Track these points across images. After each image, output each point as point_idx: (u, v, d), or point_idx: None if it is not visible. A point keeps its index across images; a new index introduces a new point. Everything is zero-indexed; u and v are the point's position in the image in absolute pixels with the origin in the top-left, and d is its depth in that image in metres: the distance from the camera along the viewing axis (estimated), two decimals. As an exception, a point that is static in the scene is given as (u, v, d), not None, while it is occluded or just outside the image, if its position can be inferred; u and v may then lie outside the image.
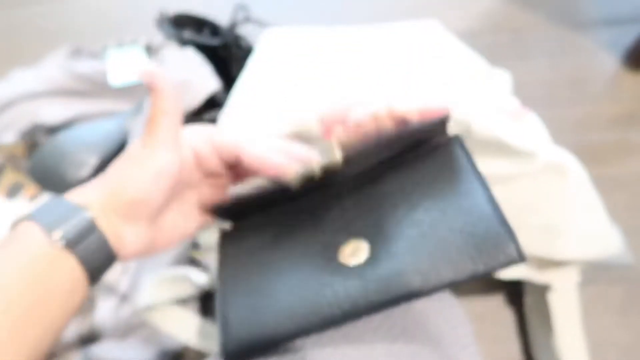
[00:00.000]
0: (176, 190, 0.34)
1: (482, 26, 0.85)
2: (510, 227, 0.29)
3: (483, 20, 0.85)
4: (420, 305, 0.39)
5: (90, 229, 0.29)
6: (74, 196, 0.31)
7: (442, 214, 0.31)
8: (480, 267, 0.28)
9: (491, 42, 0.82)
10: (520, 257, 0.28)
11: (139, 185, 0.31)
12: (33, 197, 0.65)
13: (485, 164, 0.44)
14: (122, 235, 0.31)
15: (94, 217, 0.30)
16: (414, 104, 0.34)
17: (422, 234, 0.30)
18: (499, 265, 0.28)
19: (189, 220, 0.35)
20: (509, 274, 0.48)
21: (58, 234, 0.28)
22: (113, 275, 0.60)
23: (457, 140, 0.35)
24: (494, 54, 0.74)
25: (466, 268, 0.29)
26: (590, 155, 0.70)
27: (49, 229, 0.28)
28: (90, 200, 0.30)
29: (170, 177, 0.32)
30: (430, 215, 0.31)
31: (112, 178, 0.31)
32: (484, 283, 0.60)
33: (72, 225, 0.29)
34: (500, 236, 0.29)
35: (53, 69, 0.73)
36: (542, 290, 0.52)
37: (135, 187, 0.31)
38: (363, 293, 0.30)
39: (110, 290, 0.59)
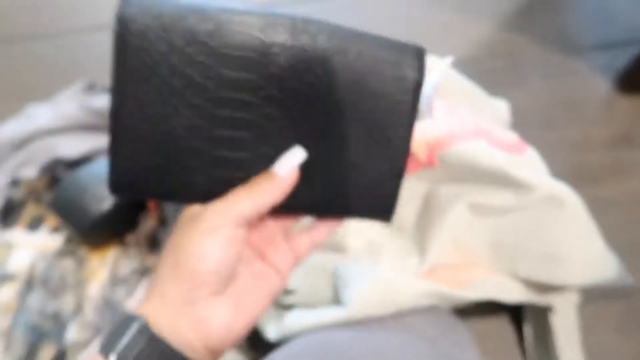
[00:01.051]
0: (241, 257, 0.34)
1: (478, 52, 0.88)
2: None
3: (479, 46, 0.89)
4: (430, 331, 0.42)
5: (142, 333, 0.30)
6: (143, 300, 0.32)
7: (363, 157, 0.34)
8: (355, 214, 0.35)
9: (487, 68, 0.86)
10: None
11: (203, 254, 0.31)
12: (54, 230, 0.68)
13: (489, 195, 0.47)
14: (201, 316, 0.31)
15: (145, 322, 0.30)
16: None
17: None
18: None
19: (262, 286, 0.35)
20: (511, 297, 0.50)
21: (113, 356, 0.30)
22: (134, 304, 0.62)
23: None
24: (491, 79, 0.78)
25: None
26: (587, 176, 0.73)
27: (105, 352, 0.30)
28: (156, 294, 0.31)
29: (237, 243, 0.32)
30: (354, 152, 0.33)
31: (173, 252, 0.32)
32: (487, 306, 0.62)
33: (124, 340, 0.30)
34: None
35: (69, 104, 0.76)
36: (542, 311, 0.54)
37: (199, 256, 0.31)
38: None
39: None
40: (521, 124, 0.70)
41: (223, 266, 0.31)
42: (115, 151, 0.31)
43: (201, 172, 0.32)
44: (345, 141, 0.33)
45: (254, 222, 0.35)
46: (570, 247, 0.46)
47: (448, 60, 0.57)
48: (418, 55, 0.33)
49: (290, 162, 0.33)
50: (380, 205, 0.35)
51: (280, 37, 0.30)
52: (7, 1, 0.92)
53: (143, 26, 0.29)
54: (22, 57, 0.87)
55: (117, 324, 0.31)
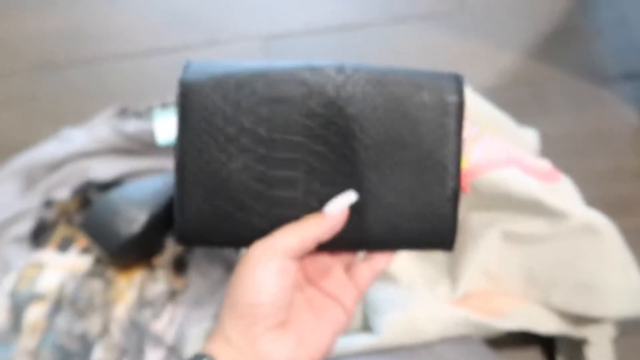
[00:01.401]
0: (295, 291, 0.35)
1: (505, 81, 0.88)
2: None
3: (505, 75, 0.89)
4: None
5: None
6: (209, 340, 0.33)
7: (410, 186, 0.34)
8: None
9: (514, 97, 0.86)
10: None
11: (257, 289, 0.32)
12: (84, 251, 0.69)
13: (523, 223, 0.47)
14: (264, 353, 0.32)
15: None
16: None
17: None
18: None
19: (325, 322, 0.36)
20: (544, 328, 0.49)
21: None
22: (160, 326, 0.63)
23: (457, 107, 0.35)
24: (518, 109, 0.78)
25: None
26: (618, 207, 0.72)
27: None
28: (219, 334, 0.33)
29: (288, 276, 0.33)
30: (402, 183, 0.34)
31: (230, 291, 0.33)
32: (519, 336, 0.61)
33: None
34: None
35: (102, 128, 0.78)
36: (576, 343, 0.53)
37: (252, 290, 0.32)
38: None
39: (158, 341, 0.61)
40: (549, 153, 0.70)
41: (276, 297, 0.32)
42: (181, 200, 0.34)
43: (258, 214, 0.34)
44: (393, 171, 0.34)
45: (306, 256, 0.36)
46: (606, 278, 0.45)
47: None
48: (456, 80, 0.35)
49: (341, 203, 0.34)
50: (438, 233, 0.35)
51: (321, 79, 0.33)
52: (44, 31, 0.96)
53: (202, 86, 0.34)
54: (57, 84, 0.90)
55: None
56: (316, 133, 0.33)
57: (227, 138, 0.33)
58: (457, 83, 0.34)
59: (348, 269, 0.37)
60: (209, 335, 0.34)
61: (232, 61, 0.35)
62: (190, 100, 0.33)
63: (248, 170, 0.34)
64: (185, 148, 0.34)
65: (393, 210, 0.34)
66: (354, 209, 0.34)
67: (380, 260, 0.37)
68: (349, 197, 0.34)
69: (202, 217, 0.34)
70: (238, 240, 0.35)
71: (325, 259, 0.37)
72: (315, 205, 0.34)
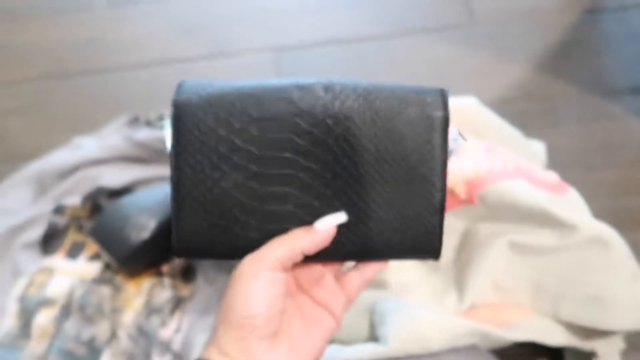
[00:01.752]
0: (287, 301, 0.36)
1: (513, 93, 0.88)
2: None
3: (514, 88, 0.89)
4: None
5: None
6: (205, 351, 0.34)
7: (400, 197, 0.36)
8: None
9: (522, 109, 0.86)
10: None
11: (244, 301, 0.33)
12: (93, 257, 0.70)
13: (531, 235, 0.47)
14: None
15: None
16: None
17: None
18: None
19: (315, 329, 0.37)
20: (553, 340, 0.49)
21: None
22: (168, 333, 0.63)
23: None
24: (527, 121, 0.78)
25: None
26: (627, 220, 0.72)
27: None
28: (215, 345, 0.34)
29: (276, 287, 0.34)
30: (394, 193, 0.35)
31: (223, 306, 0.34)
32: (527, 348, 0.60)
33: None
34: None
35: (113, 136, 0.79)
36: (585, 356, 0.53)
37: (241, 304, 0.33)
38: None
39: (165, 348, 0.62)
40: (557, 165, 0.70)
41: (268, 308, 0.33)
42: (177, 216, 0.36)
43: (253, 228, 0.36)
44: (381, 185, 0.35)
45: (297, 265, 0.37)
46: (616, 291, 0.45)
47: (472, 100, 0.58)
48: (441, 94, 0.36)
49: (331, 222, 0.35)
50: (425, 244, 0.36)
51: (309, 98, 0.35)
52: (56, 39, 0.97)
53: (194, 107, 0.35)
54: (69, 92, 0.92)
55: None
56: (307, 150, 0.35)
57: (220, 156, 0.35)
58: (442, 97, 0.35)
59: (338, 277, 0.38)
60: (205, 345, 0.35)
61: (224, 81, 0.37)
62: (184, 121, 0.35)
63: (241, 186, 0.35)
64: (180, 166, 0.35)
65: (382, 223, 0.36)
66: (345, 222, 0.35)
67: (370, 268, 0.38)
68: (339, 217, 0.35)
69: (198, 231, 0.35)
70: (235, 253, 0.36)
71: (316, 268, 0.38)
72: (308, 219, 0.35)
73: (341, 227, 0.36)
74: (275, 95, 0.35)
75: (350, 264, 0.39)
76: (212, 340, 0.35)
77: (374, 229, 0.36)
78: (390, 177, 0.35)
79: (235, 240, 0.36)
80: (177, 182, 0.35)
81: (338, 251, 0.36)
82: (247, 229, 0.36)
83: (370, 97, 0.35)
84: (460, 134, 0.37)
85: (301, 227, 0.36)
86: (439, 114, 0.35)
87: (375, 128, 0.35)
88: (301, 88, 0.35)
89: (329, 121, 0.35)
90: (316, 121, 0.35)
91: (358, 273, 0.38)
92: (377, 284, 0.51)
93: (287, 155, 0.35)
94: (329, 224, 0.35)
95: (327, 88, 0.35)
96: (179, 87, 0.36)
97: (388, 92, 0.35)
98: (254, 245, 0.35)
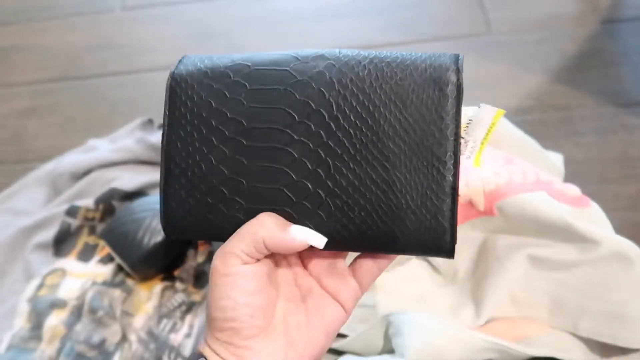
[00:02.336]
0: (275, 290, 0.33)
1: (530, 104, 0.88)
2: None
3: (530, 97, 0.89)
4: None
5: None
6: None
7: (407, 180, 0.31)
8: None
9: (539, 120, 0.85)
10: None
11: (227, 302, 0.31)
12: (105, 259, 0.70)
13: (551, 248, 0.46)
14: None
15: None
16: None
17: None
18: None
19: (318, 323, 0.33)
20: (572, 357, 0.48)
21: None
22: (178, 337, 0.62)
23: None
24: (542, 131, 0.77)
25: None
26: (644, 234, 0.71)
27: None
28: (209, 345, 0.32)
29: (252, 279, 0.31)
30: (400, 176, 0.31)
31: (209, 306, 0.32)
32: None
33: None
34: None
35: (128, 139, 0.79)
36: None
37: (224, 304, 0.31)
38: None
39: (176, 353, 0.61)
40: (574, 177, 0.69)
41: (243, 306, 0.31)
42: (165, 192, 0.34)
43: (241, 208, 0.33)
44: (381, 161, 0.31)
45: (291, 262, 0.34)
46: (637, 308, 0.44)
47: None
48: (455, 58, 0.32)
49: (307, 235, 0.31)
50: (435, 237, 0.31)
51: (303, 68, 0.32)
52: (73, 41, 0.98)
53: (190, 78, 0.34)
54: (85, 94, 0.92)
55: None
56: (298, 122, 0.32)
57: (210, 129, 0.33)
58: (456, 61, 0.31)
59: (351, 265, 0.35)
60: (201, 339, 0.33)
61: (224, 54, 0.35)
62: (178, 93, 0.34)
63: (229, 160, 0.33)
64: (171, 139, 0.34)
65: (381, 209, 0.31)
66: (338, 208, 0.32)
67: (385, 258, 0.34)
68: (316, 240, 0.31)
69: (186, 209, 0.34)
70: (225, 235, 0.33)
71: (325, 257, 0.34)
72: (297, 201, 0.32)
73: (342, 212, 0.31)
74: (271, 65, 0.33)
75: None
76: (206, 337, 0.32)
77: (372, 215, 0.31)
78: (393, 154, 0.31)
79: (222, 221, 0.33)
80: (167, 156, 0.34)
81: (337, 241, 0.32)
82: (234, 208, 0.33)
83: (372, 63, 0.32)
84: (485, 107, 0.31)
85: (275, 217, 0.32)
86: (451, 78, 0.30)
87: (375, 96, 0.31)
88: (299, 59, 0.33)
89: (324, 89, 0.32)
90: (309, 90, 0.32)
91: (373, 261, 0.34)
92: (392, 293, 0.50)
93: (278, 127, 0.32)
94: (304, 239, 0.31)
95: (325, 56, 0.33)
96: (180, 62, 0.35)
97: (393, 57, 0.32)
98: (239, 226, 0.33)
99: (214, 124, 0.33)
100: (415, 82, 0.31)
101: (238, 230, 0.32)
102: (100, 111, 0.89)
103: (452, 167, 0.30)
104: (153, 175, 0.74)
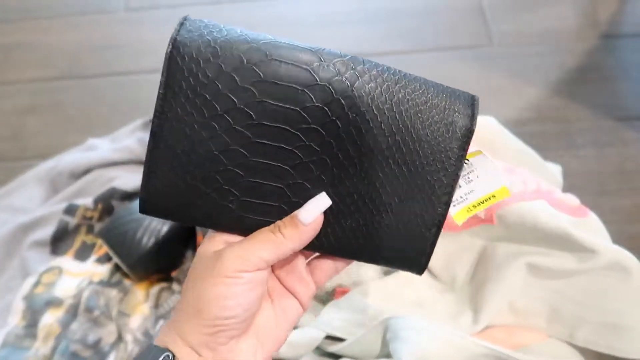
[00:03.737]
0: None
1: (529, 116, 0.88)
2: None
3: (529, 109, 0.89)
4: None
5: None
6: (166, 334, 0.32)
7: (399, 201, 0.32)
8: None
9: (538, 132, 0.86)
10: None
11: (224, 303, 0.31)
12: (103, 258, 0.69)
13: (550, 257, 0.46)
14: (223, 358, 0.32)
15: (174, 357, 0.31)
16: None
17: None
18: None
19: (284, 321, 0.35)
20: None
21: None
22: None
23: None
24: (541, 143, 0.78)
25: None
26: (640, 246, 0.71)
27: None
28: (176, 332, 0.31)
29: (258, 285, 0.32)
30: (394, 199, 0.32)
31: (191, 299, 0.32)
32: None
33: None
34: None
35: (127, 139, 0.79)
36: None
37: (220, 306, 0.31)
38: None
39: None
40: (572, 189, 0.69)
41: (244, 310, 0.31)
42: (150, 169, 0.31)
43: (234, 199, 0.32)
44: (383, 182, 0.32)
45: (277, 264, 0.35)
46: (635, 318, 0.44)
47: (490, 120, 0.58)
48: (470, 103, 0.32)
49: (315, 209, 0.32)
50: (412, 256, 0.33)
51: (326, 72, 0.31)
52: (75, 41, 0.98)
53: (195, 51, 0.30)
54: (86, 94, 0.92)
55: (144, 353, 0.31)
56: (311, 127, 0.31)
57: (214, 113, 0.30)
58: (471, 107, 0.32)
59: (309, 263, 0.36)
60: (165, 329, 0.32)
61: (237, 27, 0.32)
62: (180, 64, 0.30)
63: (231, 152, 0.31)
64: (165, 115, 0.30)
65: (373, 221, 0.32)
66: (335, 212, 0.32)
67: (343, 261, 0.35)
68: (323, 202, 0.32)
69: (172, 191, 0.32)
70: (208, 221, 0.33)
71: (294, 260, 0.35)
72: (294, 200, 0.32)
73: (332, 218, 0.32)
74: (290, 60, 0.31)
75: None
76: (172, 325, 0.32)
77: (365, 226, 0.32)
78: (395, 176, 0.32)
79: (210, 208, 0.32)
80: (159, 133, 0.30)
81: (324, 244, 0.33)
82: (227, 198, 0.32)
83: (397, 86, 0.31)
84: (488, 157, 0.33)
85: (287, 220, 0.32)
86: (462, 122, 0.31)
87: (393, 122, 0.31)
88: (322, 58, 0.31)
89: (344, 101, 0.31)
90: (329, 97, 0.31)
91: (333, 262, 0.35)
92: (389, 298, 0.50)
93: (288, 128, 0.31)
94: (314, 215, 0.32)
95: (349, 65, 0.31)
96: (182, 25, 0.31)
97: (416, 85, 0.32)
98: (233, 217, 0.32)
99: (219, 109, 0.30)
100: (432, 119, 0.32)
101: (259, 238, 0.32)
102: (101, 111, 0.89)
103: (444, 204, 0.32)
104: (153, 175, 0.74)
